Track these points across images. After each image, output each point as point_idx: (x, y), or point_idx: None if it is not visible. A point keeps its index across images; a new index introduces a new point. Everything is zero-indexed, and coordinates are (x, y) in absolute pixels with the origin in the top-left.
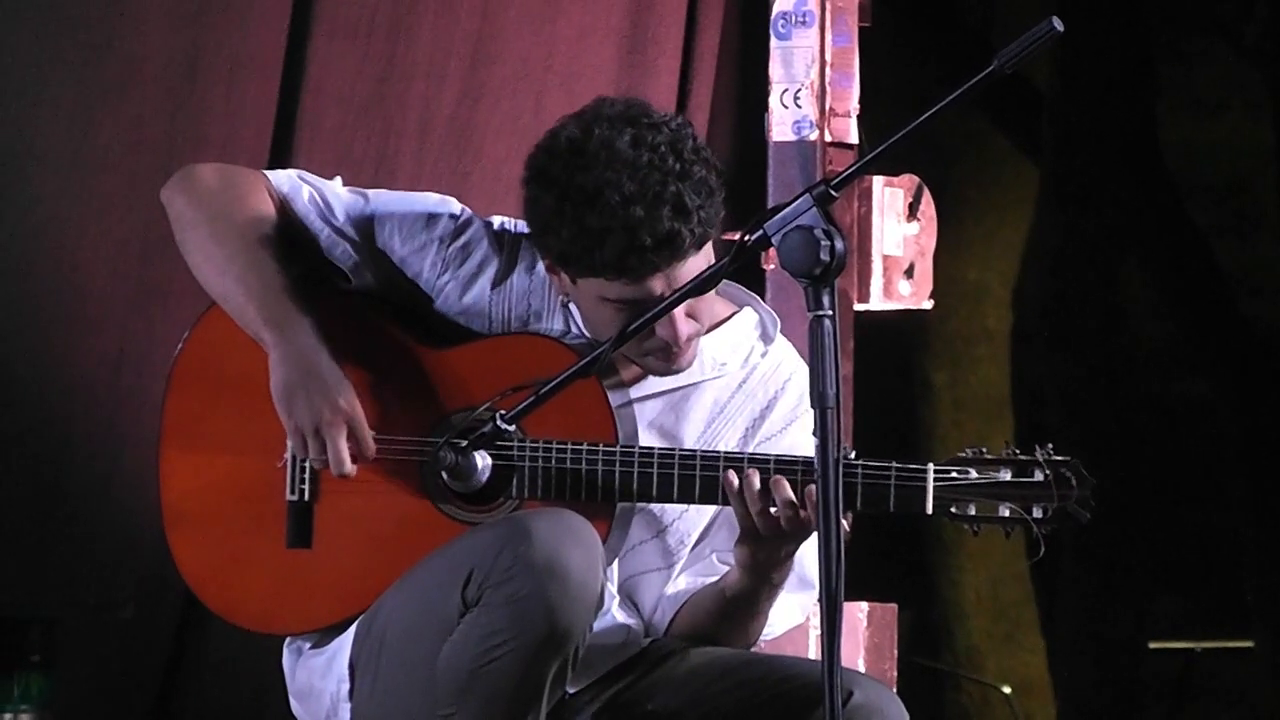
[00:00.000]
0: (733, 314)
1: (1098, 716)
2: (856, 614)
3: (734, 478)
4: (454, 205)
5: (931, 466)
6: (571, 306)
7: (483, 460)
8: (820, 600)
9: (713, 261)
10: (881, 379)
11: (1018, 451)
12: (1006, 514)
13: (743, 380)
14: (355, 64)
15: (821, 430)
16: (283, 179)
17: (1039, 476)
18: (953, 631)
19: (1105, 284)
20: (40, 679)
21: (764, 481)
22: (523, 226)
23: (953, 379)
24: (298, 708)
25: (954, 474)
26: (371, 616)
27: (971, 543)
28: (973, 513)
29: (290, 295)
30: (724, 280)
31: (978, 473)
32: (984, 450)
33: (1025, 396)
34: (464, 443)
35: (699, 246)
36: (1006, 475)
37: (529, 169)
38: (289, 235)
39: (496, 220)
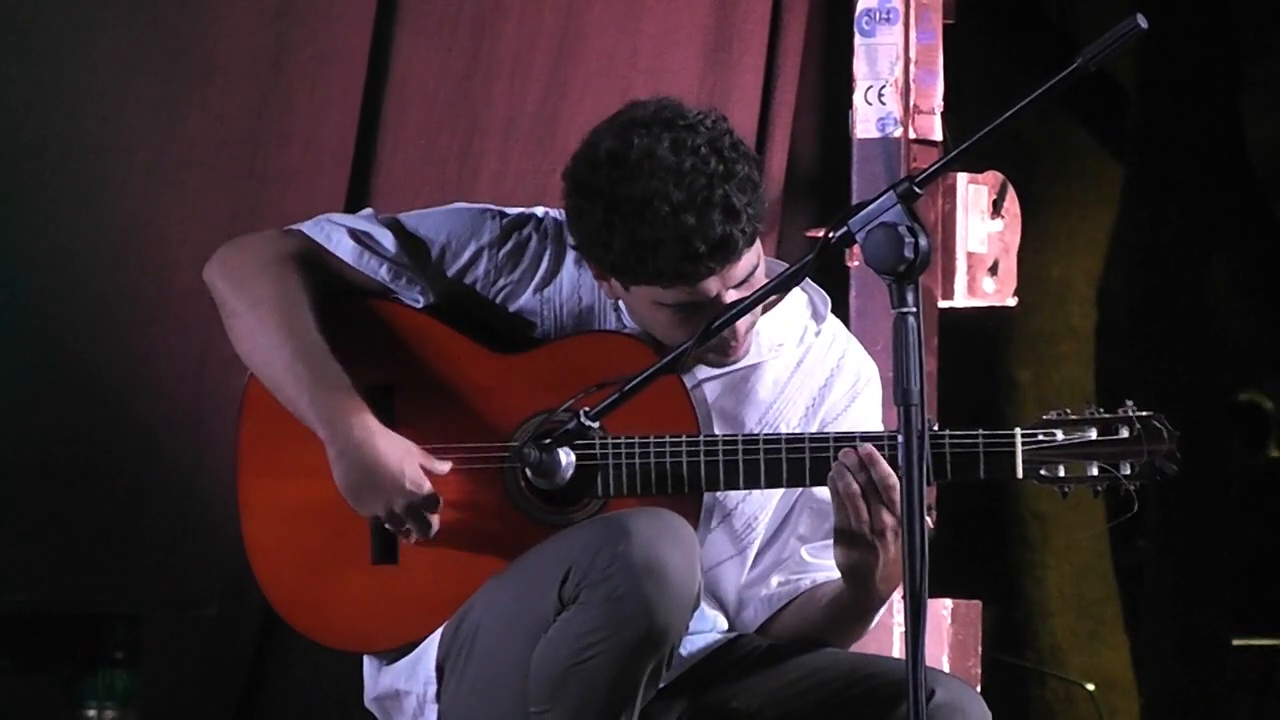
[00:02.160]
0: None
1: (1181, 713)
2: (940, 611)
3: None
4: (492, 209)
5: (1019, 431)
6: (621, 304)
7: (567, 457)
8: (904, 598)
9: (762, 254)
10: (965, 376)
11: (1102, 410)
12: (1095, 472)
13: (800, 359)
14: (440, 61)
15: (906, 427)
16: (319, 232)
17: (1125, 433)
18: (1036, 629)
19: (1190, 281)
20: (124, 675)
21: (860, 458)
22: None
23: (1037, 376)
24: (379, 712)
25: (1041, 437)
26: (461, 616)
27: (1055, 540)
28: (1062, 474)
29: (339, 383)
30: (771, 260)
31: (1064, 434)
32: (1068, 411)
33: (1110, 394)
34: (548, 440)
35: (751, 244)
36: (1093, 434)
37: (570, 181)
38: (343, 299)
39: (539, 210)
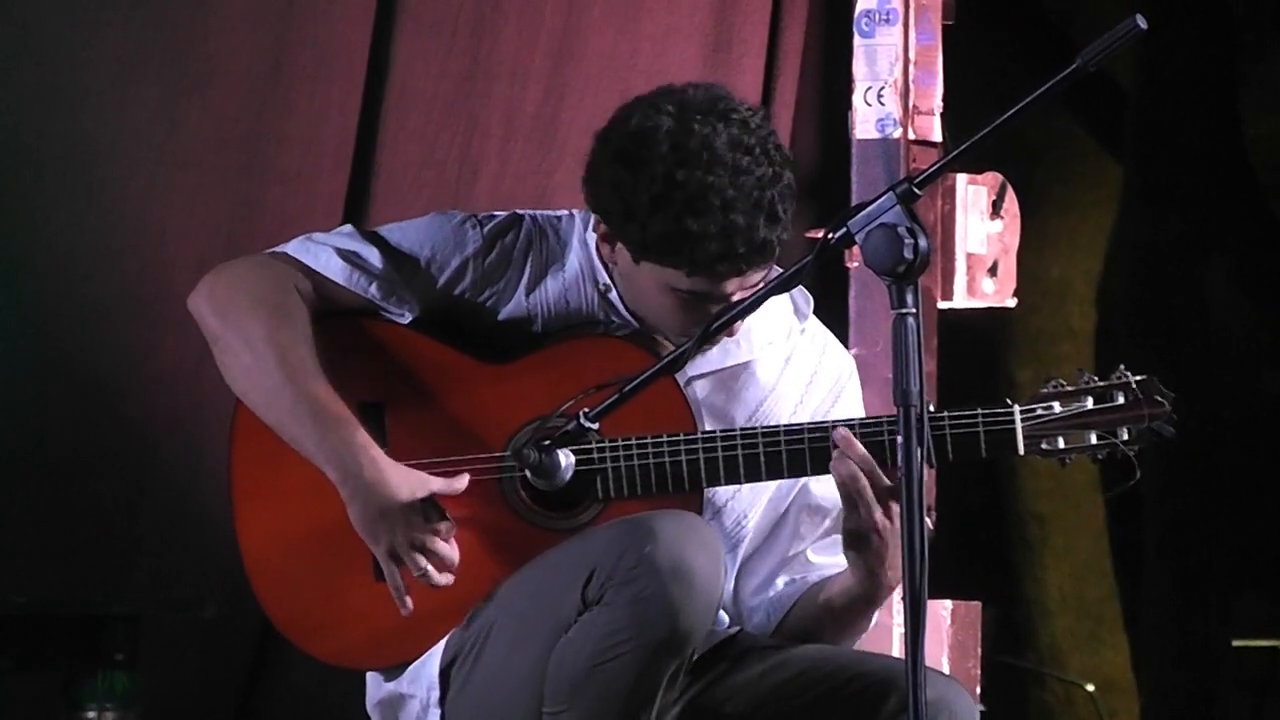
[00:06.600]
0: None
1: (1181, 714)
2: (940, 612)
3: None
4: (472, 217)
5: (1017, 407)
6: (612, 295)
7: (566, 458)
8: (904, 599)
9: None
10: (965, 377)
11: (1096, 378)
12: (1094, 440)
13: (788, 356)
14: (439, 62)
15: (905, 428)
16: (306, 254)
17: (1121, 399)
18: (1036, 630)
19: (1189, 281)
20: (124, 677)
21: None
22: (546, 215)
23: (1036, 376)
24: (382, 717)
25: (1039, 410)
26: (471, 618)
27: (1055, 540)
28: (1062, 445)
29: (343, 421)
30: None
31: (1062, 405)
32: (1063, 382)
33: None
34: (547, 441)
35: (779, 250)
36: (1090, 403)
37: (612, 148)
38: (330, 318)
39: (521, 212)
